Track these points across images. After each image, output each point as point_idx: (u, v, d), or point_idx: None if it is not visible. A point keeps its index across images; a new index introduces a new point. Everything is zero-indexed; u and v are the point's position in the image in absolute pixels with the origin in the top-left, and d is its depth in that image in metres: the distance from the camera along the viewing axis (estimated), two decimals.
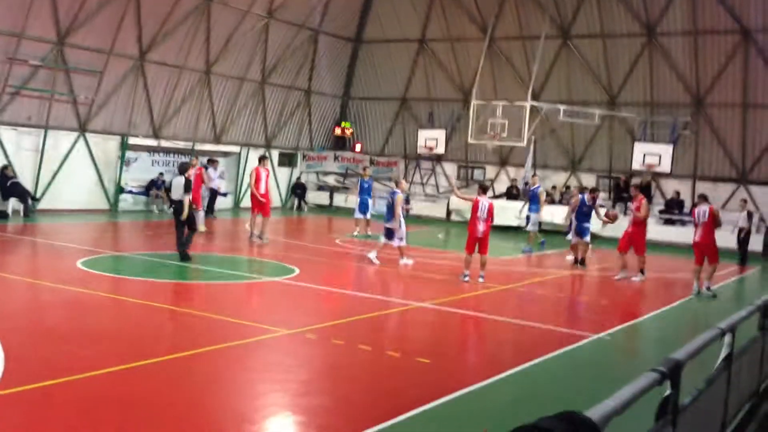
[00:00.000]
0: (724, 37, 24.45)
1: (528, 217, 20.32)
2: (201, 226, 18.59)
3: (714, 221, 14.32)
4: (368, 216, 20.95)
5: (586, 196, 17.78)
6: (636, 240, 15.76)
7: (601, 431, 2.63)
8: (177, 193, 14.48)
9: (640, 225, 15.77)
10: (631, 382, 3.38)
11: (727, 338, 5.17)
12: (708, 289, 14.46)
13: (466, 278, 14.05)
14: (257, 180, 17.96)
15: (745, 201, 21.44)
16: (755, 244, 22.24)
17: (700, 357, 4.31)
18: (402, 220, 15.84)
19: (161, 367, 7.45)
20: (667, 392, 3.80)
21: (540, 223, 20.21)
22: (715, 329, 4.88)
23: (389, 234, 15.88)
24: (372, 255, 15.79)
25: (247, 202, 27.55)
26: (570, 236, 17.84)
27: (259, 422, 6.37)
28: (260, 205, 17.99)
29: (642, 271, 15.70)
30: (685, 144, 25.35)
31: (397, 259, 15.74)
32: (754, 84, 24.31)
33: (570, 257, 17.98)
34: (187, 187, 14.38)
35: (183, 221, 14.42)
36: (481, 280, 14.07)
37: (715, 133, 25.32)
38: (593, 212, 17.60)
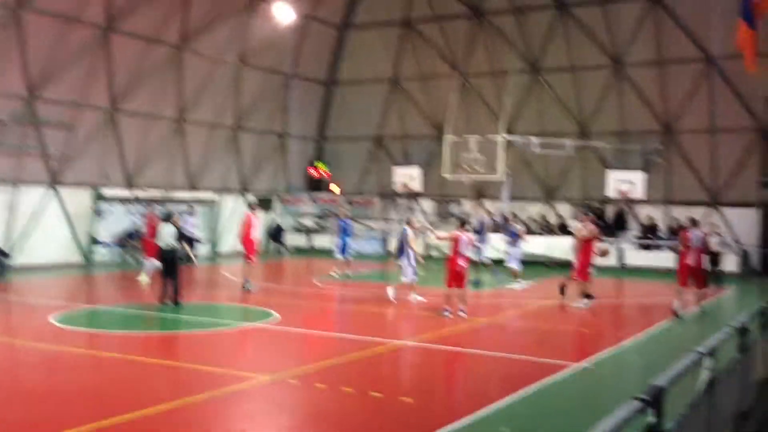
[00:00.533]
0: (689, 65, 25.05)
1: (478, 249, 19.97)
2: (144, 277, 18.19)
3: (707, 247, 15.49)
4: (347, 256, 20.90)
5: None
6: (577, 264, 15.91)
7: None
8: (164, 240, 14.74)
9: (581, 250, 15.88)
10: (613, 411, 3.35)
11: (708, 361, 5.17)
12: (702, 308, 15.21)
13: (448, 314, 14.00)
14: (249, 226, 17.71)
15: (714, 225, 21.77)
16: (729, 265, 22.55)
17: (684, 379, 4.30)
18: (411, 257, 15.88)
19: (142, 422, 7.26)
20: (651, 419, 3.78)
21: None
22: (696, 353, 4.88)
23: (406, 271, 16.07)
24: (412, 297, 16.01)
25: (225, 248, 27.68)
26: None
27: None
28: (253, 252, 17.71)
29: (587, 296, 15.64)
30: (656, 170, 25.70)
31: (404, 296, 15.87)
32: (720, 109, 24.84)
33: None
34: (179, 234, 14.87)
35: (172, 269, 14.58)
36: (462, 314, 14.01)
37: (685, 158, 25.73)
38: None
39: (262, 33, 26.56)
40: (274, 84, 29.27)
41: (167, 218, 15.29)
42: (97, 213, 23.92)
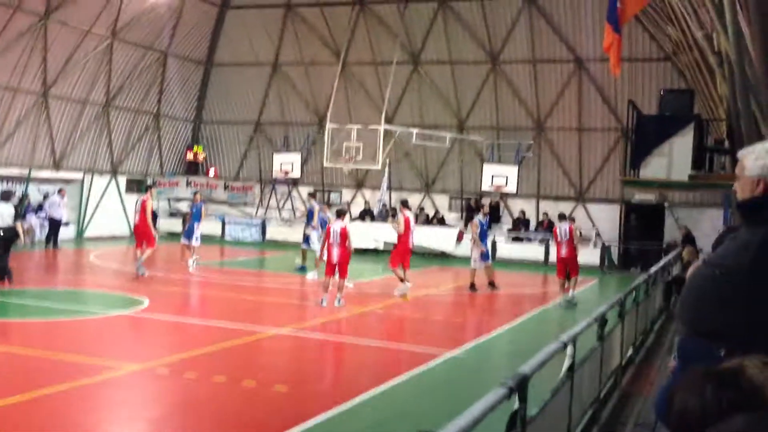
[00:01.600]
0: (560, 65, 26.21)
1: (307, 237, 19.59)
2: None
3: (574, 238, 16.03)
4: (194, 242, 19.99)
5: (481, 217, 17.48)
6: (393, 254, 16.39)
7: None
8: (2, 220, 13.99)
9: (399, 239, 16.29)
10: (480, 398, 3.43)
11: (569, 350, 5.42)
12: (572, 297, 15.79)
13: (324, 303, 13.98)
14: (144, 211, 17.01)
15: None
16: (593, 257, 23.88)
17: (549, 367, 4.48)
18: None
19: None
20: (515, 406, 3.90)
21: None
22: (558, 342, 5.10)
23: None
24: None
25: (93, 231, 26.37)
26: (476, 263, 17.05)
27: None
28: (149, 237, 16.95)
29: (402, 281, 16.00)
30: (528, 165, 26.77)
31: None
32: (587, 109, 26.23)
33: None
34: (17, 213, 14.13)
35: (8, 247, 14.07)
36: (338, 303, 14.02)
37: (555, 155, 26.97)
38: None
39: (135, 6, 25.36)
40: (149, 62, 28.06)
41: (5, 197, 14.58)
42: None
